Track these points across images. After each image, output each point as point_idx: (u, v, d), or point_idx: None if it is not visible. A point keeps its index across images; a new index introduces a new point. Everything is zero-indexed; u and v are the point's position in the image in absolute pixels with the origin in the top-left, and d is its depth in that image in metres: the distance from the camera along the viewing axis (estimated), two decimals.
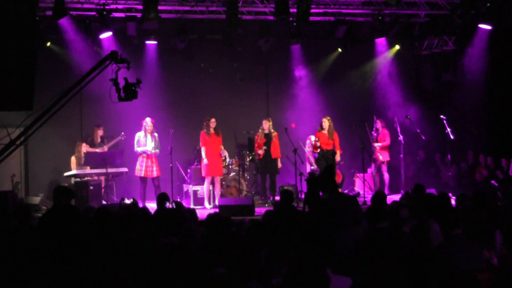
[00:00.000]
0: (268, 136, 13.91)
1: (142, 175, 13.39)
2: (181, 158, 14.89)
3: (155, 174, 13.45)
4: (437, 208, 7.03)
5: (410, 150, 15.17)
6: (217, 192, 13.70)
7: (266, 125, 13.97)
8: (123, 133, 14.55)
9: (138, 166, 13.44)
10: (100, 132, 14.51)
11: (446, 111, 15.28)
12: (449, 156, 14.89)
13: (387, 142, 15.00)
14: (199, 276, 4.81)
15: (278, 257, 5.17)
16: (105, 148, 14.36)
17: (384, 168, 15.00)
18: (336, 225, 7.07)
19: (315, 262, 4.84)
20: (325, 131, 13.92)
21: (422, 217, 7.21)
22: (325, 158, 13.87)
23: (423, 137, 14.37)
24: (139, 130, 13.89)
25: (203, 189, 13.74)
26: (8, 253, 4.96)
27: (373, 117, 14.84)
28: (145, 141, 13.40)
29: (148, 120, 13.50)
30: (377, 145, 14.83)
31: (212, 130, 13.56)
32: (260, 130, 14.08)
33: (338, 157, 14.02)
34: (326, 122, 13.97)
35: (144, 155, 13.34)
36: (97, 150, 14.15)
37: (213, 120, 13.59)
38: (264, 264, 5.13)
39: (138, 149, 13.39)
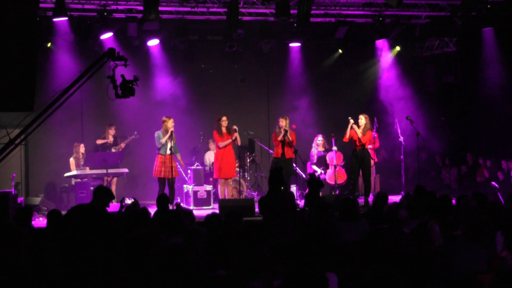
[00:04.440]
0: (285, 135, 13.61)
1: (162, 175, 12.76)
2: (182, 159, 14.84)
3: (172, 174, 12.80)
4: (439, 209, 7.03)
5: (410, 151, 15.15)
6: (227, 194, 13.52)
7: (283, 123, 13.48)
8: (136, 132, 14.54)
9: (156, 167, 12.86)
10: (112, 131, 14.48)
11: (446, 112, 15.27)
12: (448, 158, 14.89)
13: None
14: (201, 277, 4.80)
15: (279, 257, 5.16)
16: (122, 146, 14.35)
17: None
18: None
19: (314, 264, 4.83)
20: (360, 129, 13.36)
21: (423, 218, 7.22)
22: (357, 158, 13.41)
23: (424, 139, 14.34)
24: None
25: (218, 191, 13.60)
26: (7, 254, 4.95)
27: (374, 118, 14.81)
28: (166, 141, 12.75)
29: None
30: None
31: (224, 130, 13.38)
32: (278, 129, 13.52)
33: (373, 155, 13.84)
34: (363, 119, 13.46)
35: (164, 154, 12.77)
36: (113, 150, 14.16)
37: (224, 118, 13.36)
38: (266, 265, 5.11)
39: (159, 143, 12.73)
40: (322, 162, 14.90)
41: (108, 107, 14.00)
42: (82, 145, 14.08)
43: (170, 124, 12.74)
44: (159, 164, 12.75)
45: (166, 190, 12.62)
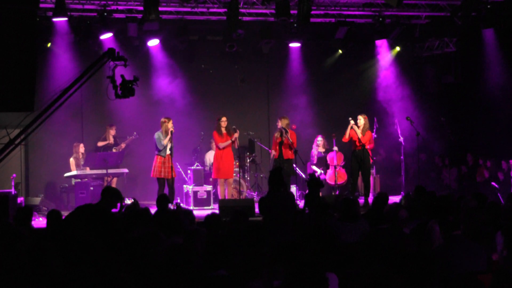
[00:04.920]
0: (282, 135, 13.43)
1: (162, 175, 12.65)
2: (182, 159, 14.87)
3: (172, 174, 12.76)
4: (439, 209, 7.02)
5: (410, 151, 15.14)
6: (227, 194, 13.49)
7: (279, 124, 13.47)
8: (135, 132, 14.53)
9: (155, 167, 12.74)
10: (112, 132, 14.47)
11: (446, 112, 15.24)
12: (448, 158, 14.87)
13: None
14: (201, 277, 4.80)
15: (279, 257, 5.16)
16: (123, 146, 14.34)
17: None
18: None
19: (315, 264, 4.83)
20: (359, 130, 13.28)
21: (423, 218, 7.21)
22: (357, 158, 13.34)
23: (424, 139, 14.32)
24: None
25: (218, 191, 13.60)
26: (7, 254, 4.95)
27: (374, 119, 14.81)
28: (164, 142, 12.67)
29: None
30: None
31: (224, 130, 13.33)
32: (277, 132, 13.52)
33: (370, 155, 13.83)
34: (362, 120, 13.38)
35: (164, 155, 12.66)
36: (113, 150, 14.15)
37: (223, 119, 13.30)
38: (266, 265, 5.11)
39: (161, 145, 12.63)
40: (322, 162, 14.90)
41: (108, 107, 14.00)
42: (81, 145, 14.08)
43: (170, 125, 12.71)
44: (158, 164, 12.69)
45: (166, 191, 12.62)
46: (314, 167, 14.89)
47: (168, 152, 12.71)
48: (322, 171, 14.75)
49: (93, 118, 15.14)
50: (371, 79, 16.79)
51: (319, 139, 15.02)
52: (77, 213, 7.09)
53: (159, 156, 12.69)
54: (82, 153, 13.97)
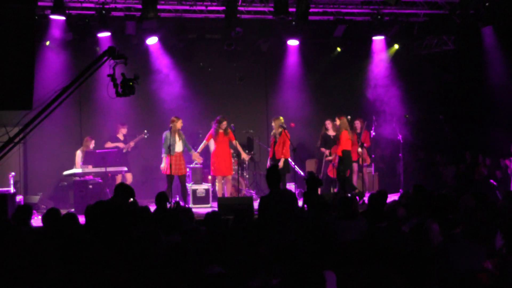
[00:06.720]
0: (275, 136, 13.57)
1: (172, 173, 12.75)
2: (184, 157, 14.85)
3: (183, 171, 12.98)
4: (438, 207, 7.03)
5: (409, 149, 15.15)
6: (226, 191, 13.53)
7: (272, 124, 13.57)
8: (145, 131, 14.50)
9: (164, 164, 12.87)
10: (124, 130, 14.46)
11: (445, 111, 15.24)
12: (446, 156, 14.89)
13: (369, 143, 14.84)
14: (199, 275, 4.80)
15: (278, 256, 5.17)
16: (132, 144, 14.34)
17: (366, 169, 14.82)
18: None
19: (313, 262, 4.84)
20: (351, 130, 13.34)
21: (421, 217, 7.22)
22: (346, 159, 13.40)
23: (422, 137, 14.34)
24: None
25: (216, 188, 13.63)
26: (6, 253, 4.95)
27: (372, 117, 14.81)
28: (174, 140, 12.84)
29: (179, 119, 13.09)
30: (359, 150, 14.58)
31: (220, 130, 13.37)
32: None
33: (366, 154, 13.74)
34: (337, 121, 13.49)
35: (172, 153, 12.79)
36: (122, 148, 14.16)
37: (224, 123, 13.34)
38: (265, 264, 5.12)
39: (165, 146, 12.83)
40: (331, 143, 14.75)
41: (108, 106, 14.00)
42: (93, 141, 13.99)
43: (179, 124, 12.84)
44: (170, 162, 12.77)
45: (177, 189, 12.88)
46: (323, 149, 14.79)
47: (177, 150, 12.84)
48: (329, 154, 14.64)
49: (92, 116, 15.12)
50: (370, 77, 16.79)
51: (328, 122, 14.79)
52: (94, 210, 7.04)
53: (167, 154, 12.78)
54: (92, 147, 13.93)
